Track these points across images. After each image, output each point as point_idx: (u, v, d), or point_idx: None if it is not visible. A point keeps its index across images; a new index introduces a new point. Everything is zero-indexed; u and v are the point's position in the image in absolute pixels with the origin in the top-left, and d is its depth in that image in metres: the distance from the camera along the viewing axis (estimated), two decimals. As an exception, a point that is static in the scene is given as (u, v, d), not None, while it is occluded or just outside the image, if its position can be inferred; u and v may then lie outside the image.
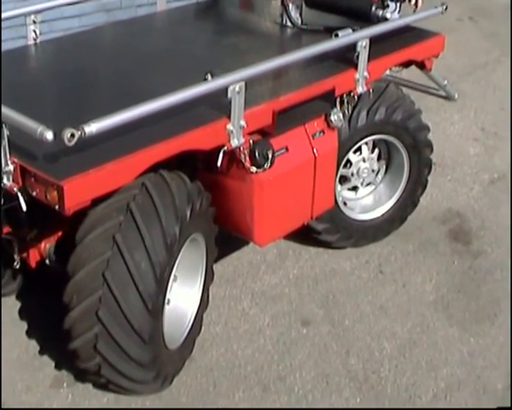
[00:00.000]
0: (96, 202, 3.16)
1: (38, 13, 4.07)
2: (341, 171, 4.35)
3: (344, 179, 4.46)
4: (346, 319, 4.06)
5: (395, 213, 4.64)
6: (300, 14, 4.49)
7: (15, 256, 3.59)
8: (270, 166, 3.59)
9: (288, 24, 4.47)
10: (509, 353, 3.81)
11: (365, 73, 3.98)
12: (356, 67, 3.93)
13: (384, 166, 4.61)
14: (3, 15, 3.93)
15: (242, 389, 3.60)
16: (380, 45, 4.03)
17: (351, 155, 4.36)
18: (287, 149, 3.76)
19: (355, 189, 4.56)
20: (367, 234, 4.59)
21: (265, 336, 3.92)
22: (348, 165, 4.40)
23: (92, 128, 2.80)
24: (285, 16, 4.46)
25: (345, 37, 3.90)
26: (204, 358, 3.76)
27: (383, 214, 4.61)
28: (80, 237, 3.21)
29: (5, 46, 4.06)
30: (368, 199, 4.61)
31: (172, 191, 3.27)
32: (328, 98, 3.85)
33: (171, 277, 3.33)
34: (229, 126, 3.36)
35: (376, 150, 4.50)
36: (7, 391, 3.49)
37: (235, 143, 3.40)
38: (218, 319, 4.02)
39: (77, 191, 2.86)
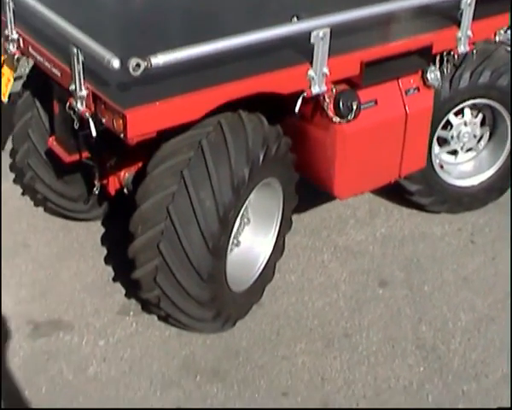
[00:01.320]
0: (170, 135, 3.19)
1: None
2: (440, 132, 4.16)
3: (443, 141, 4.25)
4: (426, 286, 3.90)
5: (494, 183, 4.39)
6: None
7: (95, 182, 3.68)
8: (354, 118, 3.47)
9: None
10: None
11: (468, 33, 3.74)
12: (459, 25, 3.71)
13: (488, 133, 4.36)
14: None
15: (305, 341, 3.54)
16: (489, 6, 3.79)
17: (451, 117, 4.15)
18: (375, 103, 3.61)
19: (455, 153, 4.35)
20: (462, 201, 4.38)
21: (339, 292, 3.83)
22: (448, 127, 4.20)
23: (159, 60, 2.77)
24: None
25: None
26: (273, 305, 3.73)
27: (481, 183, 4.37)
28: (150, 169, 3.24)
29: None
30: (467, 165, 4.39)
31: (247, 133, 3.22)
32: (425, 55, 3.65)
33: (238, 219, 3.30)
34: (311, 72, 3.24)
35: (480, 115, 4.25)
36: (75, 312, 3.60)
37: (315, 90, 3.29)
38: (295, 269, 3.97)
39: (140, 121, 2.85)
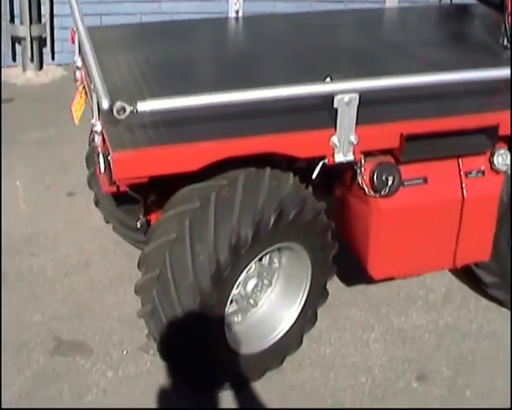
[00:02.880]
0: (190, 182, 3.17)
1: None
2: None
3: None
4: (469, 390, 3.51)
5: None
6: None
7: (140, 216, 3.74)
8: (389, 194, 3.23)
9: (506, 44, 3.89)
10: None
11: (547, 113, 3.33)
12: (535, 104, 3.31)
13: None
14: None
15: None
16: None
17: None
18: (425, 181, 3.33)
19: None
20: (544, 301, 3.89)
21: (369, 376, 3.56)
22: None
23: (146, 106, 2.78)
24: (503, 35, 3.88)
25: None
26: (293, 375, 3.55)
27: None
28: (162, 212, 3.24)
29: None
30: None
31: (260, 193, 3.10)
32: (489, 136, 3.30)
33: (240, 278, 3.19)
34: (334, 139, 3.07)
35: None
36: (101, 339, 3.68)
37: (339, 157, 3.11)
38: (335, 342, 3.75)
39: (126, 165, 2.87)
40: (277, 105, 3.05)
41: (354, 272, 3.67)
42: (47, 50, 6.36)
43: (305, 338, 3.65)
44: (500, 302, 3.95)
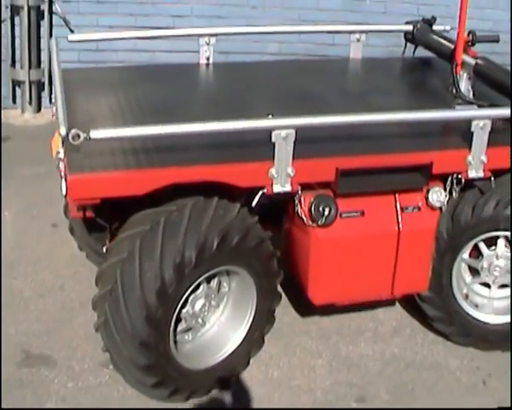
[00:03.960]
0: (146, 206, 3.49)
1: (212, 36, 4.44)
2: (469, 261, 3.98)
3: (474, 271, 4.05)
4: (406, 414, 3.73)
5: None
6: (472, 87, 4.18)
7: (106, 241, 4.04)
8: (326, 224, 3.51)
9: (456, 93, 4.18)
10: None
11: (482, 158, 3.61)
12: (470, 147, 3.59)
13: (527, 270, 4.07)
14: (181, 32, 4.40)
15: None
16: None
17: (482, 246, 3.95)
18: (362, 213, 3.61)
19: (488, 286, 4.10)
20: (488, 339, 4.09)
21: (311, 398, 3.78)
22: (480, 256, 4.00)
23: (98, 134, 3.11)
24: (454, 86, 4.18)
25: (458, 111, 3.60)
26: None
27: (509, 322, 4.06)
28: (119, 234, 3.55)
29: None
30: (498, 302, 4.10)
31: (204, 218, 3.38)
32: (423, 173, 3.58)
33: (186, 296, 3.45)
34: (272, 171, 3.37)
35: (515, 251, 4.00)
36: (66, 354, 3.94)
37: (277, 188, 3.40)
38: (282, 366, 3.97)
39: (80, 187, 3.19)
40: (223, 138, 3.38)
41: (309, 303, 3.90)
42: (45, 94, 6.74)
43: (254, 361, 3.92)
44: (446, 336, 4.16)
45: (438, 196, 3.66)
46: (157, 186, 3.26)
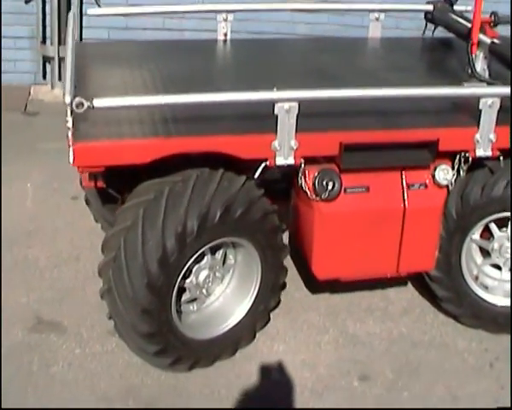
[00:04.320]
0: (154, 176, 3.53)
1: (230, 13, 4.47)
2: (480, 242, 3.95)
3: (486, 252, 4.02)
4: (407, 392, 3.71)
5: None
6: (488, 67, 4.12)
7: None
8: (329, 198, 3.52)
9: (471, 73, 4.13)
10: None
11: (491, 136, 3.57)
12: (478, 125, 3.56)
13: (537, 254, 4.01)
14: (198, 8, 4.43)
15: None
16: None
17: (493, 228, 3.91)
18: (367, 189, 3.60)
19: (499, 268, 4.06)
20: (498, 321, 4.05)
21: (314, 373, 3.79)
22: (491, 237, 3.96)
23: (101, 103, 3.16)
24: (469, 65, 4.13)
25: (466, 89, 3.56)
26: (241, 366, 3.80)
27: (521, 307, 4.02)
28: (126, 203, 3.61)
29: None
30: (509, 284, 4.06)
31: (208, 189, 3.42)
32: (429, 151, 3.56)
33: (187, 266, 3.48)
34: (275, 143, 3.38)
35: (528, 234, 3.95)
36: (76, 321, 4.03)
37: (280, 161, 3.42)
38: (288, 341, 3.99)
39: (85, 155, 3.24)
40: (228, 110, 3.40)
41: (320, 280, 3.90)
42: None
43: (261, 335, 3.95)
44: (455, 317, 4.13)
45: (445, 174, 3.64)
46: (159, 155, 3.29)
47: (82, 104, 3.14)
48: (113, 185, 3.98)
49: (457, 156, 3.65)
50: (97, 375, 3.72)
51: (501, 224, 3.95)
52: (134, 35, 6.36)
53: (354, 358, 3.92)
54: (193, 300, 3.77)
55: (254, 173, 3.54)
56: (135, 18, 6.49)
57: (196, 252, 3.48)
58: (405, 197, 3.63)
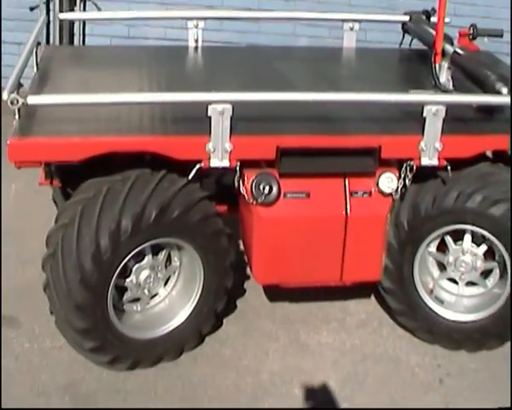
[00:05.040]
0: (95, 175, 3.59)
1: (200, 20, 4.51)
2: (436, 255, 3.88)
3: (441, 266, 3.94)
4: (347, 402, 3.66)
5: (491, 327, 3.90)
6: (452, 78, 4.06)
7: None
8: (266, 203, 3.51)
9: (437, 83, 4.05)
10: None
11: (436, 145, 3.51)
12: (422, 133, 3.50)
13: (497, 270, 3.91)
14: (170, 14, 4.49)
15: None
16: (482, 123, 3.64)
17: (448, 239, 3.84)
18: (307, 195, 3.58)
19: (456, 282, 3.98)
20: (453, 337, 3.95)
21: (254, 378, 3.78)
22: (446, 250, 3.88)
23: (35, 100, 3.25)
24: (432, 75, 4.07)
25: (409, 95, 3.52)
26: (184, 368, 3.81)
27: (475, 321, 3.91)
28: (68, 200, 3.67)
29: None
30: (464, 299, 3.97)
31: (145, 190, 3.44)
32: (371, 158, 3.52)
33: (122, 264, 3.49)
34: (210, 145, 3.39)
35: (484, 246, 3.85)
36: (32, 316, 4.09)
37: (214, 163, 3.42)
38: (236, 347, 3.98)
39: (20, 150, 3.31)
40: (167, 111, 3.44)
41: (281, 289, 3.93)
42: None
43: (210, 339, 3.97)
44: (411, 331, 4.06)
45: (389, 182, 3.59)
46: (91, 154, 3.34)
47: (17, 101, 3.22)
48: (69, 184, 4.04)
49: (404, 165, 3.60)
50: (40, 369, 3.77)
51: (457, 237, 3.87)
52: (136, 44, 6.46)
53: (300, 366, 3.88)
54: (136, 299, 3.79)
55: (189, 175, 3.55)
56: (137, 27, 6.63)
57: (132, 251, 3.50)
58: (348, 204, 3.59)
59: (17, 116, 3.37)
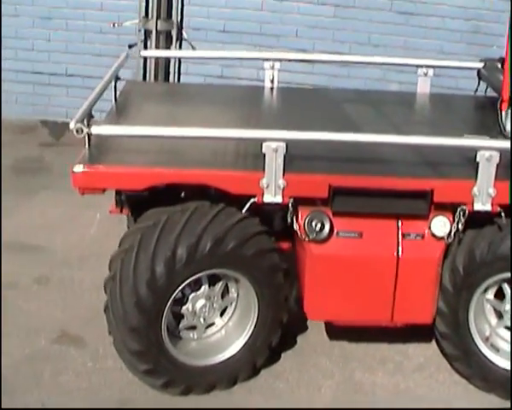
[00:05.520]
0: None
1: (276, 61, 4.66)
2: (491, 301, 3.85)
3: (499, 313, 3.90)
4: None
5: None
6: (512, 122, 4.04)
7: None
8: (318, 240, 3.59)
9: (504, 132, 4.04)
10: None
11: (490, 190, 3.50)
12: (476, 178, 3.51)
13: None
14: (248, 55, 4.67)
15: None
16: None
17: (505, 286, 3.81)
18: (360, 235, 3.63)
19: (518, 330, 3.92)
20: (506, 386, 3.87)
21: (287, 405, 3.85)
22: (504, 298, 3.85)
23: (98, 130, 3.46)
24: (498, 122, 4.06)
25: (462, 140, 3.54)
26: (236, 397, 3.90)
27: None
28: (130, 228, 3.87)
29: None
30: (518, 348, 3.90)
31: (202, 221, 3.59)
32: (424, 201, 3.54)
33: (176, 291, 3.64)
34: (263, 181, 3.51)
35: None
36: (98, 336, 4.27)
37: (268, 198, 3.53)
38: (291, 381, 4.03)
39: (83, 178, 3.53)
40: (224, 147, 3.59)
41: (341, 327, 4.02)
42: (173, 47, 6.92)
43: (265, 372, 4.04)
44: (466, 378, 4.01)
45: (442, 225, 3.60)
46: (149, 184, 3.53)
47: (82, 130, 3.44)
48: (137, 212, 4.24)
49: (458, 209, 3.60)
50: (99, 387, 3.95)
51: (517, 285, 3.83)
52: (227, 83, 6.69)
53: (350, 404, 3.90)
54: (193, 327, 3.92)
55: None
56: (230, 67, 6.85)
57: (186, 279, 3.64)
58: (400, 246, 3.62)
59: (86, 145, 3.61)
